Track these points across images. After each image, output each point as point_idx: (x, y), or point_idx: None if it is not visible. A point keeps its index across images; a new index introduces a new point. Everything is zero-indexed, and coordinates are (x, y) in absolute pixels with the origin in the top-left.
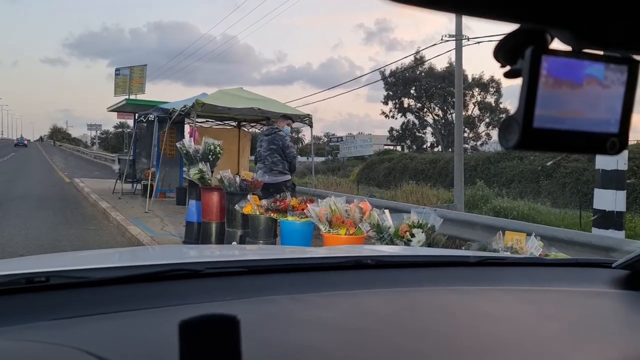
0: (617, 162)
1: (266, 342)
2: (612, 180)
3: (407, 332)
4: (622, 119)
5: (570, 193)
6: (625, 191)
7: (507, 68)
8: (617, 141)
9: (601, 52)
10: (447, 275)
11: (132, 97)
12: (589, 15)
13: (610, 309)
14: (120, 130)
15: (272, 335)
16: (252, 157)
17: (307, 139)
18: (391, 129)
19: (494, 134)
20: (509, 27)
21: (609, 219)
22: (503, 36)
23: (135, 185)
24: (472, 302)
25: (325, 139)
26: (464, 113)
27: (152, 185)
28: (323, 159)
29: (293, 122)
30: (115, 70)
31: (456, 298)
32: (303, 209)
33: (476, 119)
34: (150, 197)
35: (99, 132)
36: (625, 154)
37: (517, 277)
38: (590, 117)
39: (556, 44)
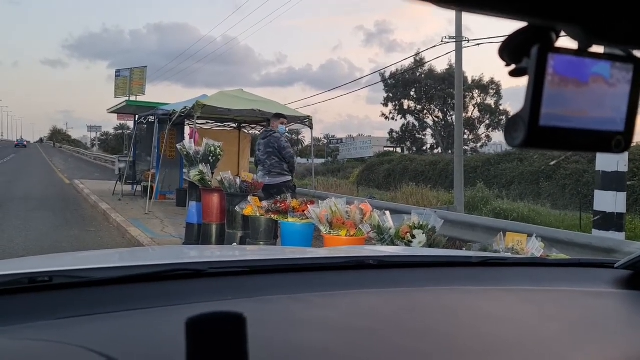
0: (618, 163)
1: (268, 342)
2: (612, 181)
3: (409, 332)
4: (628, 117)
5: (571, 195)
6: (626, 193)
7: (513, 67)
8: (622, 139)
9: (607, 51)
10: (449, 275)
11: (133, 98)
12: (598, 10)
13: (613, 309)
14: (120, 131)
15: (274, 334)
16: (252, 159)
17: (307, 140)
18: (391, 131)
19: (494, 135)
20: (514, 25)
21: (609, 221)
22: (508, 35)
23: (135, 186)
24: (473, 302)
25: (325, 141)
26: (464, 115)
27: (152, 187)
28: (323, 160)
29: (286, 119)
30: (116, 72)
31: (458, 298)
32: (303, 211)
33: (476, 120)
34: (150, 198)
35: (99, 133)
36: (625, 155)
37: (519, 278)
38: (596, 116)
39: (561, 43)
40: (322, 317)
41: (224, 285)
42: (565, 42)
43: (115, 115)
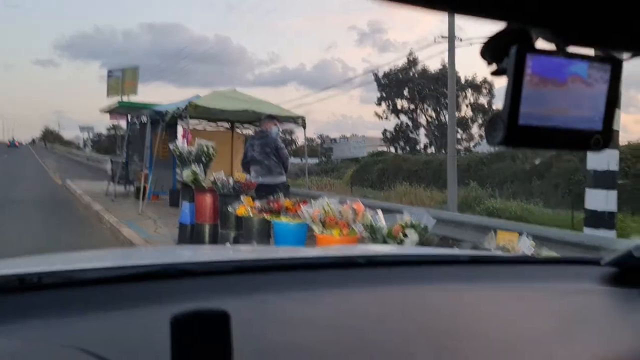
0: (609, 162)
1: (257, 341)
2: (603, 180)
3: (398, 330)
4: (606, 116)
5: (562, 193)
6: (617, 191)
7: (494, 66)
8: (600, 138)
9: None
10: (438, 273)
11: (125, 98)
12: (571, 14)
13: (599, 306)
14: (112, 132)
15: (264, 333)
16: None
17: (300, 140)
18: (385, 131)
19: None
20: (495, 26)
21: (600, 219)
22: (489, 35)
23: (128, 187)
24: (462, 299)
25: (319, 141)
26: (457, 114)
27: (145, 187)
28: (316, 160)
29: (279, 122)
30: (108, 72)
31: (447, 296)
32: (296, 211)
33: (469, 120)
34: (143, 199)
35: (91, 134)
36: (616, 154)
37: (507, 275)
38: (574, 115)
39: (541, 43)
40: (311, 315)
41: (212, 284)
42: (545, 42)
43: (108, 115)
